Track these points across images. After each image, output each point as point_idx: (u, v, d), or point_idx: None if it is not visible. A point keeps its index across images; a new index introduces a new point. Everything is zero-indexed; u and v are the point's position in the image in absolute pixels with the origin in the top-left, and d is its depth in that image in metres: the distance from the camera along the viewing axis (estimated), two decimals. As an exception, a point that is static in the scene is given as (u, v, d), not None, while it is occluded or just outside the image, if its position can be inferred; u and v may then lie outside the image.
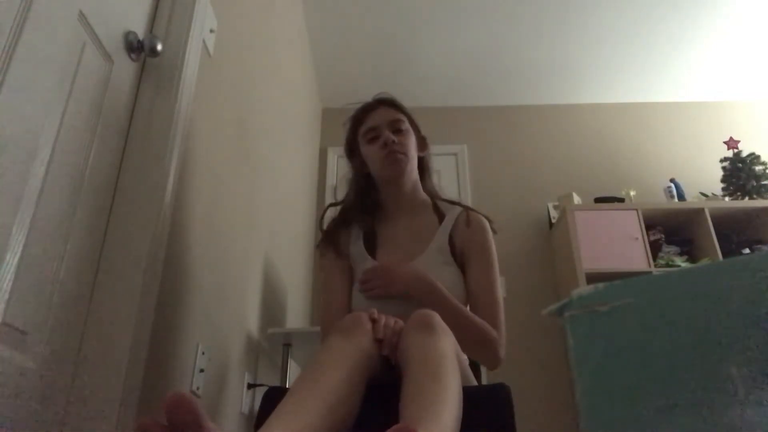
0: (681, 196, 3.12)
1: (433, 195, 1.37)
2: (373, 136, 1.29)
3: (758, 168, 3.04)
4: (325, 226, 1.36)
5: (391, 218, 1.31)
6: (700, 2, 2.86)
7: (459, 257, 1.23)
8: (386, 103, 1.34)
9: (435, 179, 1.44)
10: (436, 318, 0.92)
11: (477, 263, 1.21)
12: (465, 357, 1.13)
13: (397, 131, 1.29)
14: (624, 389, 0.54)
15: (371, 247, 1.27)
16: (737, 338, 0.50)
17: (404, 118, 1.32)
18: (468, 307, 1.18)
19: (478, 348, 1.12)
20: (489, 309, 1.15)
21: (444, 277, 1.17)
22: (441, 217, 1.29)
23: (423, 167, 1.38)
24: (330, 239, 1.30)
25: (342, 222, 1.33)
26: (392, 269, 1.16)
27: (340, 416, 0.77)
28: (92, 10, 0.90)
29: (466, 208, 1.31)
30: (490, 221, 1.30)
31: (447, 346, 0.88)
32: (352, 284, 1.25)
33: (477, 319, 1.12)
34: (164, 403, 0.55)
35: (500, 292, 1.19)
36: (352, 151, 1.37)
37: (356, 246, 1.28)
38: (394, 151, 1.25)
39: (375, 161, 1.29)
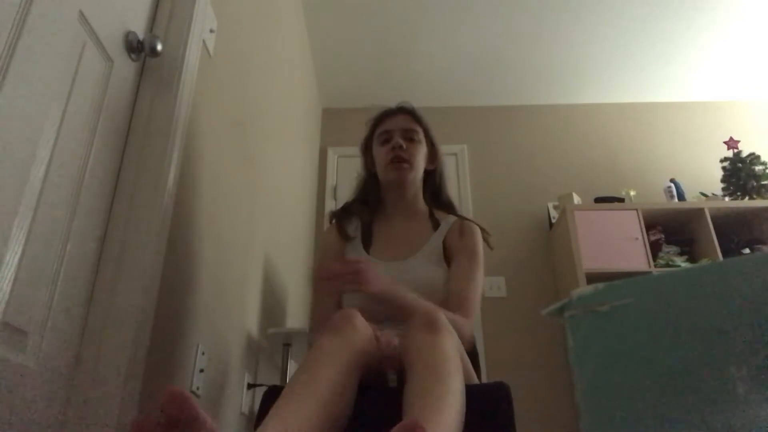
0: (681, 196, 3.12)
1: (446, 205, 1.42)
2: (386, 139, 1.35)
3: (758, 168, 3.04)
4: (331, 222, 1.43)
5: (389, 219, 1.37)
6: (700, 2, 2.86)
7: (449, 260, 1.28)
8: (407, 111, 1.39)
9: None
10: (441, 318, 0.93)
11: (461, 261, 1.26)
12: (465, 354, 1.13)
13: (409, 140, 1.34)
14: (624, 389, 0.54)
15: (366, 243, 1.33)
16: (737, 338, 0.50)
17: (419, 130, 1.37)
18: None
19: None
20: (459, 295, 1.19)
21: (433, 277, 1.22)
22: (436, 225, 1.35)
23: (433, 180, 1.42)
24: (338, 222, 1.38)
25: (345, 210, 1.41)
26: (374, 272, 1.09)
27: (335, 413, 0.77)
28: (92, 10, 0.90)
29: (461, 218, 1.37)
30: (487, 233, 1.35)
31: (451, 346, 0.88)
32: None
33: (455, 318, 1.10)
34: (161, 399, 0.56)
35: (478, 289, 1.23)
36: (366, 148, 1.44)
37: (355, 239, 1.35)
38: (399, 156, 1.30)
39: (381, 163, 1.35)
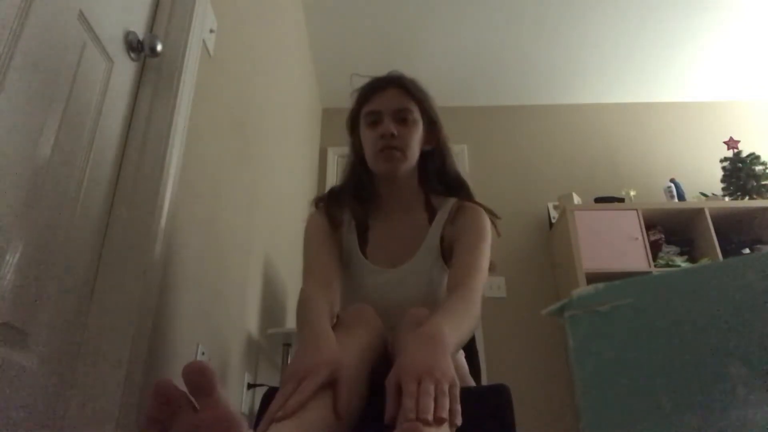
0: (681, 196, 3.12)
1: (456, 187, 1.24)
2: (374, 120, 1.16)
3: (758, 168, 3.05)
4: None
5: (384, 212, 1.22)
6: (700, 2, 2.86)
7: (448, 251, 1.15)
8: (398, 84, 1.19)
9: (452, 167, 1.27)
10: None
11: (462, 239, 1.12)
12: (461, 357, 1.12)
13: (401, 121, 1.15)
14: (624, 389, 0.54)
15: (362, 242, 1.19)
16: (737, 338, 0.50)
17: (413, 107, 1.17)
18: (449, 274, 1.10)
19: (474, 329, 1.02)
20: (468, 264, 1.06)
21: (431, 283, 1.14)
22: (433, 213, 1.20)
23: (433, 160, 1.24)
24: (326, 210, 1.19)
25: (336, 201, 1.22)
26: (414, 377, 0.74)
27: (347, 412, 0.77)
28: (92, 10, 0.90)
29: (460, 200, 1.21)
30: (494, 216, 1.20)
31: None
32: (339, 258, 1.16)
33: (469, 317, 0.98)
34: (184, 369, 0.58)
35: (485, 259, 1.09)
36: (353, 126, 1.24)
37: (349, 236, 1.19)
38: (390, 146, 1.13)
39: (369, 150, 1.17)
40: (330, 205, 1.20)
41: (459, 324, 0.89)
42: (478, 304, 0.99)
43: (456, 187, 1.25)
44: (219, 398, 0.59)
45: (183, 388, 0.59)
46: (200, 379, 0.58)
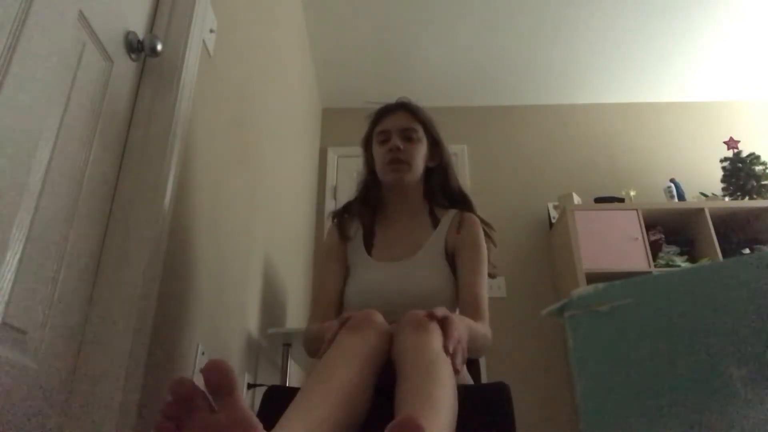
0: (681, 196, 3.12)
1: (458, 200, 1.38)
2: (384, 139, 1.34)
3: (758, 168, 3.04)
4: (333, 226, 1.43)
5: (390, 218, 1.36)
6: (700, 2, 2.86)
7: (451, 257, 1.27)
8: (405, 108, 1.37)
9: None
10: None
11: (466, 259, 1.25)
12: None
13: (408, 139, 1.32)
14: (624, 389, 0.54)
15: (368, 245, 1.32)
16: (737, 338, 0.50)
17: (418, 127, 1.34)
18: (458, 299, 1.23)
19: (481, 352, 1.14)
20: (474, 303, 1.19)
21: (433, 278, 1.21)
22: (436, 221, 1.33)
23: (438, 176, 1.38)
24: (340, 221, 1.38)
25: (346, 210, 1.40)
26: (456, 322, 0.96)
27: (352, 412, 0.77)
28: (92, 10, 0.90)
29: (461, 210, 1.35)
30: (490, 228, 1.34)
31: (439, 344, 0.88)
32: (346, 271, 1.31)
33: (479, 329, 1.11)
34: (205, 366, 0.58)
35: (486, 286, 1.23)
36: (367, 145, 1.42)
37: (356, 239, 1.34)
38: (396, 158, 1.29)
39: (379, 164, 1.34)
40: (341, 220, 1.38)
41: (475, 339, 1.05)
42: (489, 331, 1.17)
43: (459, 201, 1.40)
44: (237, 399, 0.59)
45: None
46: (221, 378, 0.58)
